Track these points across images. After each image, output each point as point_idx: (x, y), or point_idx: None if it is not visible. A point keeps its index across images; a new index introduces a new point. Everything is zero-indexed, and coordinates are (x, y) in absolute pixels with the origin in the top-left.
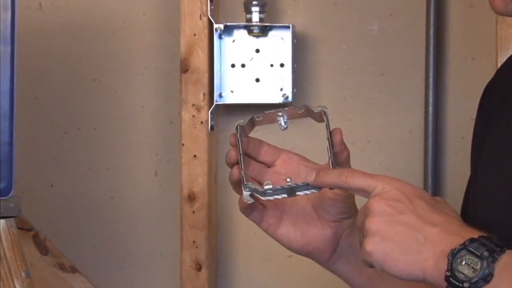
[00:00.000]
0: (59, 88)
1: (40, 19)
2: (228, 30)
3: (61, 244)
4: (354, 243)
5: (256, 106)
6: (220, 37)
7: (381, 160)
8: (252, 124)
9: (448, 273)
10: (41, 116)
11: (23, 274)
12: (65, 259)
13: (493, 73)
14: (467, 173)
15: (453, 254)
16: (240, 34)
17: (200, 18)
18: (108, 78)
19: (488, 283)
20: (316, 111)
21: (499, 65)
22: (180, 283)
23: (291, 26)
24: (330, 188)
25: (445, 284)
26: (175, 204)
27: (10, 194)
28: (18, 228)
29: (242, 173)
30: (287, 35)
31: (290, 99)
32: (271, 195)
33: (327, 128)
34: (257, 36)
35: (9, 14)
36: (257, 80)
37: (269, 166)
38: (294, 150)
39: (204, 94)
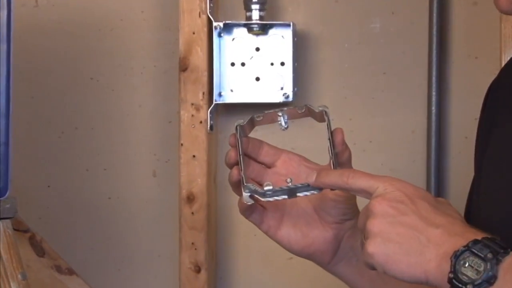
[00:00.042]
0: (56, 87)
1: (37, 17)
2: (227, 28)
3: (58, 246)
4: (355, 245)
5: (256, 106)
6: (219, 35)
7: (383, 160)
8: (252, 124)
9: (451, 275)
10: (38, 116)
11: (19, 276)
12: (62, 261)
13: (497, 72)
14: (471, 173)
15: (456, 256)
16: (240, 32)
17: (199, 16)
18: (105, 76)
19: (491, 285)
20: (317, 111)
21: (503, 64)
22: (179, 285)
23: (291, 24)
24: (331, 189)
25: (448, 286)
26: (173, 205)
27: (6, 195)
28: (14, 229)
29: (242, 174)
30: (287, 33)
31: (290, 98)
32: (271, 196)
33: (328, 128)
34: (257, 34)
35: (5, 12)
36: (257, 79)
37: (269, 166)
38: (295, 150)
39: (203, 93)
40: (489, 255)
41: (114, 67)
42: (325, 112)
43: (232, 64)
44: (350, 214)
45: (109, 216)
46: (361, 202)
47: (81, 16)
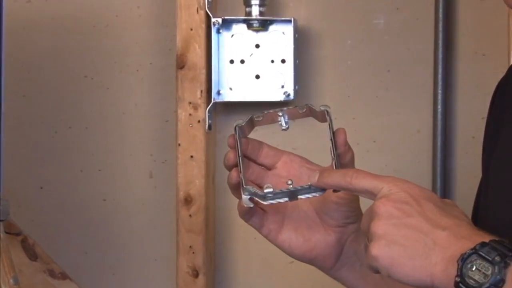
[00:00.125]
0: (49, 85)
1: (29, 13)
2: (226, 24)
3: (51, 249)
4: (359, 249)
5: (256, 104)
6: (218, 31)
7: (387, 161)
8: (251, 124)
9: (458, 279)
10: (30, 115)
11: (11, 280)
12: (55, 265)
13: (505, 69)
14: (478, 174)
15: (463, 259)
16: (239, 29)
17: (197, 11)
18: (100, 74)
19: None
20: (318, 110)
21: (511, 61)
22: None
23: (292, 20)
24: (334, 191)
25: None
26: (170, 207)
27: None
28: (6, 232)
29: (241, 176)
30: (288, 29)
31: (291, 96)
32: (271, 199)
33: (330, 128)
34: (257, 31)
35: None
36: (257, 76)
37: (269, 168)
38: (296, 151)
39: (201, 91)
40: (497, 258)
41: (109, 65)
42: (327, 112)
43: (231, 62)
44: (353, 217)
45: (104, 218)
46: (364, 203)
47: (75, 12)
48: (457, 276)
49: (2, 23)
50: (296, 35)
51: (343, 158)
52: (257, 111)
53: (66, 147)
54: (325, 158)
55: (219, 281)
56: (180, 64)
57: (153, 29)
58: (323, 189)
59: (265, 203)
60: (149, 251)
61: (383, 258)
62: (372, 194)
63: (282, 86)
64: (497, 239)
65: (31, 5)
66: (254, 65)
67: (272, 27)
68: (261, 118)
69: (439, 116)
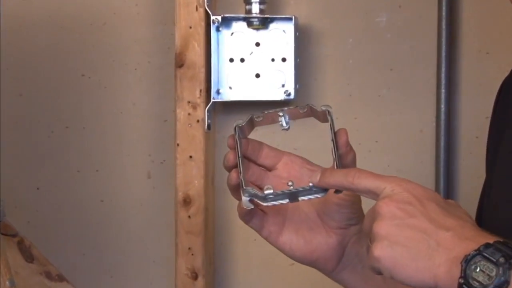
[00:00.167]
0: (46, 84)
1: (25, 10)
2: (226, 22)
3: (47, 251)
4: (361, 251)
5: (256, 103)
6: (217, 29)
7: (389, 161)
8: (251, 124)
9: (462, 281)
10: (26, 114)
11: (7, 283)
12: (51, 267)
13: (509, 68)
14: (482, 175)
15: (467, 260)
16: (239, 27)
17: (196, 9)
18: (98, 73)
19: None
20: (319, 110)
21: None
22: None
23: (293, 18)
24: (336, 192)
25: None
26: (169, 208)
27: None
28: (2, 234)
29: (241, 177)
30: (289, 27)
31: (292, 95)
32: (272, 200)
33: (331, 129)
34: (257, 29)
35: None
36: (257, 75)
37: (269, 169)
38: (296, 151)
39: (200, 90)
40: (501, 260)
41: (106, 63)
42: (328, 112)
43: (231, 60)
44: (355, 219)
45: (102, 219)
46: (366, 203)
47: (72, 10)
48: (460, 277)
49: None
50: (297, 33)
51: (344, 159)
52: (257, 110)
53: (63, 147)
54: (327, 159)
55: (218, 283)
56: (179, 63)
57: (152, 27)
58: (324, 191)
59: (265, 204)
60: (147, 253)
61: (385, 259)
62: (374, 194)
63: (283, 85)
64: (501, 240)
65: (28, 3)
66: (254, 63)
67: (273, 25)
68: (261, 118)
69: (442, 116)
